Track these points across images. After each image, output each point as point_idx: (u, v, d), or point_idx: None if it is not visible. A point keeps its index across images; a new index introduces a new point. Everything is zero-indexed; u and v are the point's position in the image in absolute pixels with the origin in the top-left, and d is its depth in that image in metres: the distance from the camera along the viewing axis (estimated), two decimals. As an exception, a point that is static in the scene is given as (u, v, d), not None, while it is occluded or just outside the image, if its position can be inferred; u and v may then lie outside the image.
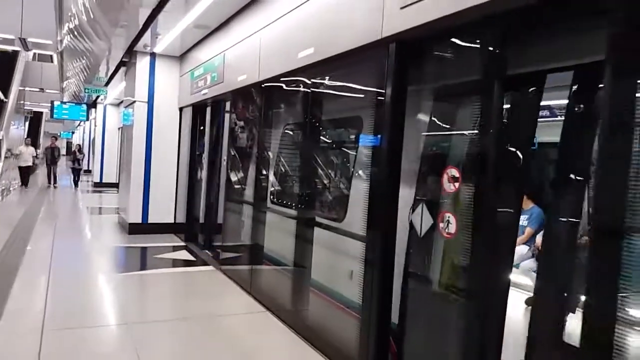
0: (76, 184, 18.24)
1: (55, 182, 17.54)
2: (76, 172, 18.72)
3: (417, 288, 3.09)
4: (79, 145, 20.48)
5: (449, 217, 2.75)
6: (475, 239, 2.60)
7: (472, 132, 2.81)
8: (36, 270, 5.91)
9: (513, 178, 2.79)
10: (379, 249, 3.21)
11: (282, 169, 5.48)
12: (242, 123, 6.14)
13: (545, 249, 3.18)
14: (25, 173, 16.94)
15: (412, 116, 3.21)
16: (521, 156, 2.76)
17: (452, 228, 2.74)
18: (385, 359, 3.22)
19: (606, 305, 1.92)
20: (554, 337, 2.72)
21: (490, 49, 2.75)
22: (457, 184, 2.74)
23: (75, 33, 10.00)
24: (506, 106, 2.74)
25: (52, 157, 17.57)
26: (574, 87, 2.79)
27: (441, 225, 2.80)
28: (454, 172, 2.76)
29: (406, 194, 3.17)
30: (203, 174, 8.09)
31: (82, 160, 19.32)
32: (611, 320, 1.86)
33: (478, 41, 2.79)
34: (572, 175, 2.80)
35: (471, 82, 2.90)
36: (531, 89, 2.85)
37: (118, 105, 17.14)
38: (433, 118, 3.15)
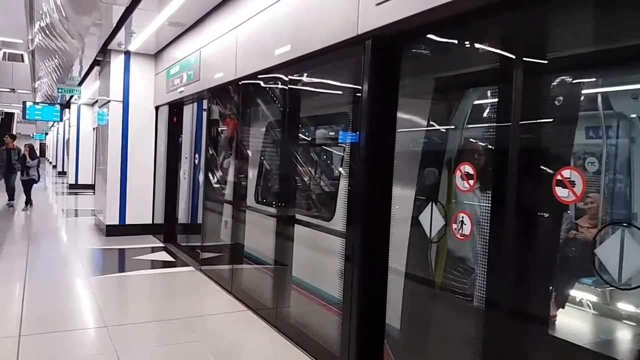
0: (27, 202, 12.08)
1: (12, 198, 12.35)
2: (27, 186, 12.09)
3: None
4: (30, 146, 12.47)
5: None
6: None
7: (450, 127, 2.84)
8: (11, 275, 5.78)
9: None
10: (358, 245, 3.23)
11: (262, 167, 5.45)
12: (219, 121, 6.10)
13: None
14: None
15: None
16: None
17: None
18: (366, 355, 3.25)
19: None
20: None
21: (467, 45, 2.79)
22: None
23: (47, 32, 9.78)
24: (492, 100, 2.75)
25: (8, 163, 12.24)
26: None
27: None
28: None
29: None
30: (181, 174, 8.02)
31: (37, 168, 12.38)
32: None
33: (454, 37, 2.82)
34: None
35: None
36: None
37: (92, 105, 16.85)
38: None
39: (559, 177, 2.16)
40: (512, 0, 2.38)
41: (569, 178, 2.13)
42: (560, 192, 2.15)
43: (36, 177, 12.23)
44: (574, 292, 3.51)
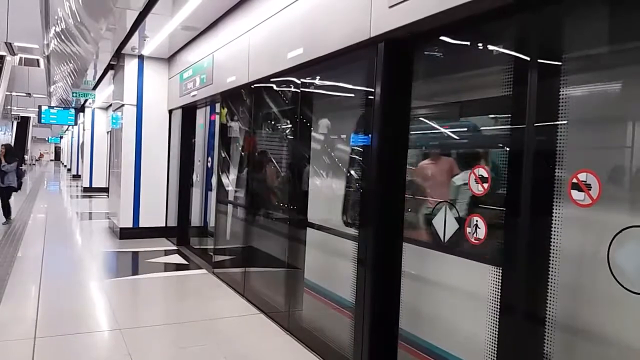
0: (6, 213, 10.09)
1: None
2: (4, 196, 10.04)
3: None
4: (7, 145, 10.57)
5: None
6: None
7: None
8: (27, 277, 5.84)
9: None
10: (371, 248, 3.21)
11: (278, 171, 5.45)
12: (232, 124, 6.12)
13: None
14: None
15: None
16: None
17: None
18: (380, 358, 3.22)
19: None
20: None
21: (479, 46, 2.77)
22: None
23: (62, 37, 9.91)
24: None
25: None
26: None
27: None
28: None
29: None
30: (194, 177, 8.06)
31: (17, 173, 10.17)
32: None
33: (467, 39, 2.80)
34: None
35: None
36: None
37: (107, 108, 17.01)
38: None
39: None
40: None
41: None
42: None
43: (14, 184, 10.06)
44: None
